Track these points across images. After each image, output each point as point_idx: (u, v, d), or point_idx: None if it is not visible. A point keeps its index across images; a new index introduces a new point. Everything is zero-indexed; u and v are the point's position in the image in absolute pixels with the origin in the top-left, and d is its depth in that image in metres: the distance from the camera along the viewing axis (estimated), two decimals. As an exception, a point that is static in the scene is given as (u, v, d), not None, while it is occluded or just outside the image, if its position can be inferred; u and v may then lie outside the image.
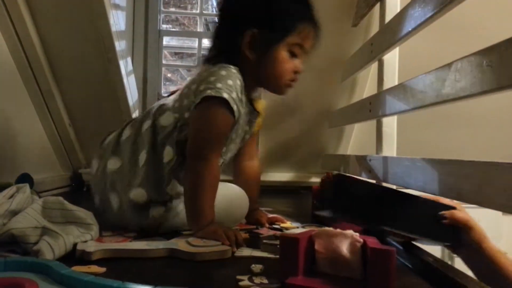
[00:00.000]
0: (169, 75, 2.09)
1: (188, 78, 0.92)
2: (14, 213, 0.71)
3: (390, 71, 1.05)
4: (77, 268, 0.56)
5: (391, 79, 1.04)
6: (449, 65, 0.66)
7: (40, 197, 0.82)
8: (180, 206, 0.85)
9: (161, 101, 0.92)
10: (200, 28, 1.77)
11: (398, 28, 0.89)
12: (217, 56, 0.87)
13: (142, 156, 0.85)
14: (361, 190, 0.74)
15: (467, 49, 0.64)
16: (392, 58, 1.05)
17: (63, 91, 1.46)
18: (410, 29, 0.82)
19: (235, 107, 0.80)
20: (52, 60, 1.40)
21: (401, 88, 0.84)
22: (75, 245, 0.66)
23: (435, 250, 0.80)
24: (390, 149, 1.02)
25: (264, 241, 0.74)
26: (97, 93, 1.52)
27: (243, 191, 0.97)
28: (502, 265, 0.70)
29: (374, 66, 1.24)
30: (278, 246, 0.70)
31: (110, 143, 0.91)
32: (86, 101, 1.53)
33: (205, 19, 1.88)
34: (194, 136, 0.81)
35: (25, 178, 1.15)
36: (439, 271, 0.58)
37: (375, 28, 1.27)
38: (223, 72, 0.81)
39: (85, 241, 0.68)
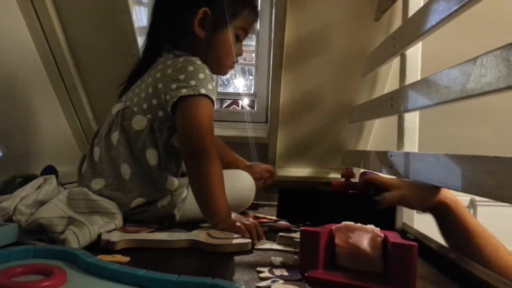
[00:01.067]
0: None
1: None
2: (41, 203, 0.74)
3: (413, 65, 1.03)
4: (102, 257, 0.58)
5: (414, 74, 1.03)
6: (474, 59, 0.65)
7: (65, 188, 0.84)
8: (184, 193, 0.86)
9: (116, 109, 0.88)
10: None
11: (422, 22, 0.87)
12: (166, 36, 0.90)
13: (125, 169, 0.83)
14: (301, 197, 0.90)
15: (490, 43, 0.62)
16: (415, 52, 1.04)
17: (87, 86, 1.49)
18: (434, 23, 0.81)
19: (214, 97, 0.83)
20: (76, 55, 1.43)
21: (425, 83, 0.82)
22: (99, 234, 0.68)
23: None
24: (412, 145, 1.01)
25: (280, 234, 0.75)
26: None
27: (248, 174, 1.00)
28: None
29: (396, 61, 1.23)
30: (294, 239, 0.71)
31: (87, 168, 0.88)
32: (109, 96, 1.56)
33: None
34: (185, 135, 0.81)
35: (50, 170, 1.18)
36: (460, 266, 0.58)
37: (397, 23, 1.26)
38: (191, 68, 0.82)
39: (110, 231, 0.70)
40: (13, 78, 1.21)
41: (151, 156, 0.83)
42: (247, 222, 0.75)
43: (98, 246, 0.65)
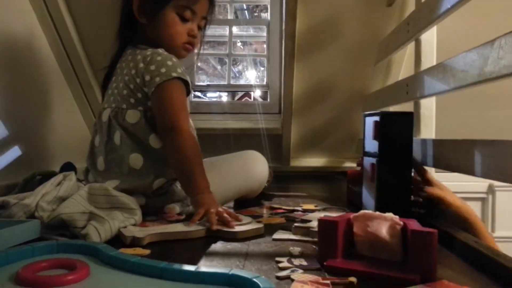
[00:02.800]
0: (199, 64, 2.11)
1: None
2: (62, 199, 0.75)
3: (428, 51, 1.02)
4: (123, 251, 0.59)
5: (429, 59, 1.01)
6: (492, 41, 0.63)
7: (84, 184, 0.86)
8: None
9: (106, 115, 0.90)
10: (230, 16, 1.77)
11: (436, 6, 0.85)
12: (126, 34, 0.94)
13: (135, 159, 0.86)
14: None
15: (506, 26, 0.61)
16: (430, 37, 1.02)
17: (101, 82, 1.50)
18: (449, 6, 0.79)
19: (188, 78, 0.87)
20: (89, 52, 1.45)
21: (441, 68, 0.81)
22: (119, 229, 0.69)
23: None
24: (428, 131, 1.00)
25: (296, 224, 0.75)
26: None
27: (259, 154, 1.03)
28: None
29: (410, 46, 1.21)
30: (310, 228, 0.71)
31: (95, 178, 0.90)
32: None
33: (234, 7, 1.88)
34: (159, 115, 0.85)
35: (68, 167, 1.21)
36: (484, 254, 0.57)
37: (410, 7, 1.23)
38: (159, 58, 0.86)
39: (126, 226, 0.71)
40: (28, 76, 1.23)
41: (154, 141, 0.87)
42: (220, 210, 0.76)
43: (118, 240, 0.67)
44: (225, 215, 0.75)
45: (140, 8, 0.90)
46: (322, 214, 0.86)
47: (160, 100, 0.85)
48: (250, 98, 2.62)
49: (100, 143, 0.91)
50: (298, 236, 0.71)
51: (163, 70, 0.85)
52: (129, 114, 0.88)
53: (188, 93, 0.90)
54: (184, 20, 0.92)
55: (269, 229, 0.75)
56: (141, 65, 0.87)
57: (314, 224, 0.74)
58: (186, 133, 0.83)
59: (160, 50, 0.89)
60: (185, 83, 0.87)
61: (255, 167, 1.01)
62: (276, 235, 0.72)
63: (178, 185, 0.89)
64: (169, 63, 0.86)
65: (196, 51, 1.02)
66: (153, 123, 0.88)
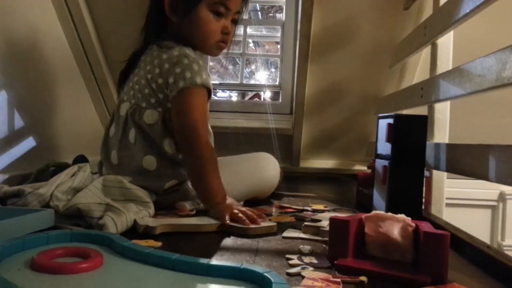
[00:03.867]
0: (211, 63, 2.12)
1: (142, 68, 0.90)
2: (76, 190, 0.76)
3: (444, 55, 1.01)
4: (135, 242, 0.59)
5: (445, 63, 1.00)
6: (510, 47, 0.63)
7: (98, 177, 0.87)
8: None
9: (124, 109, 0.89)
10: (245, 15, 1.77)
11: (455, 10, 0.85)
12: (153, 30, 0.91)
13: (149, 161, 0.86)
14: None
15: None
16: (446, 41, 1.01)
17: (116, 78, 1.50)
18: (468, 11, 0.79)
19: (209, 85, 0.85)
20: (106, 48, 1.47)
21: (457, 72, 0.81)
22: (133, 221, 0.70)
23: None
24: (442, 136, 0.99)
25: (306, 223, 0.76)
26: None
27: (271, 156, 1.02)
28: None
29: (425, 50, 1.20)
30: (320, 228, 0.71)
31: (108, 172, 0.90)
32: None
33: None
34: (178, 122, 0.83)
35: (81, 160, 1.22)
36: (493, 257, 0.57)
37: (428, 11, 1.23)
38: (186, 61, 0.84)
39: (143, 217, 0.72)
40: (45, 70, 1.25)
41: (168, 146, 0.86)
42: (243, 209, 0.77)
43: (130, 231, 0.67)
44: (249, 213, 0.75)
45: (172, 6, 0.88)
46: (332, 215, 0.86)
47: (181, 105, 0.83)
48: (260, 99, 2.62)
49: (114, 135, 0.90)
50: (308, 234, 0.72)
51: (188, 74, 0.83)
52: (148, 114, 0.86)
53: (210, 98, 0.89)
54: (217, 15, 0.88)
55: (279, 227, 0.75)
56: (167, 65, 0.85)
57: (325, 223, 0.75)
58: (204, 142, 0.82)
59: (187, 51, 0.86)
60: (208, 89, 0.86)
61: (267, 169, 1.01)
62: (286, 233, 0.72)
63: (189, 185, 0.89)
64: (195, 67, 0.84)
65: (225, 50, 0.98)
66: (169, 127, 0.86)
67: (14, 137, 1.09)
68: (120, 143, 0.88)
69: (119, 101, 0.93)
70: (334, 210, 0.94)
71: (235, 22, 0.94)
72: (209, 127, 0.95)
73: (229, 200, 0.80)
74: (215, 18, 0.88)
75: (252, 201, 1.01)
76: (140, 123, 0.86)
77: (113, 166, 0.89)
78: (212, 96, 0.91)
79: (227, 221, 0.73)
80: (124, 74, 0.97)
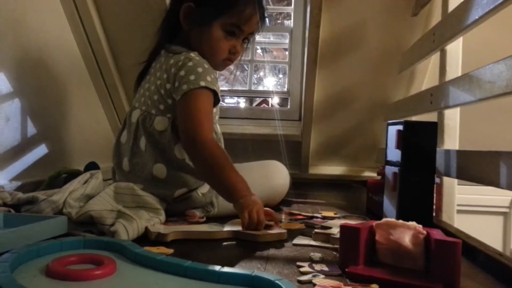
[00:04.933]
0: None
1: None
2: (89, 197, 0.77)
3: (453, 61, 1.01)
4: (147, 249, 0.60)
5: (454, 70, 1.00)
6: (521, 53, 0.63)
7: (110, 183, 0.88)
8: None
9: (135, 116, 0.90)
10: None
11: (464, 17, 0.85)
12: (165, 34, 0.93)
13: (159, 169, 0.86)
14: None
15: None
16: (455, 47, 1.01)
17: (126, 85, 1.54)
18: (477, 17, 0.79)
19: (214, 87, 0.84)
20: (117, 55, 1.48)
21: (467, 79, 0.80)
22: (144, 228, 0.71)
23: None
24: (452, 142, 0.99)
25: (316, 230, 0.76)
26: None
27: (282, 165, 1.02)
28: None
29: (434, 57, 1.20)
30: (330, 235, 0.71)
31: (120, 179, 0.90)
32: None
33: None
34: (183, 125, 0.83)
35: (93, 167, 1.24)
36: (505, 265, 0.56)
37: (436, 18, 1.23)
38: (190, 64, 0.84)
39: (154, 225, 0.73)
40: (56, 77, 1.27)
41: (178, 152, 0.86)
42: (262, 210, 0.75)
43: (143, 239, 0.68)
44: (262, 217, 0.74)
45: (188, 17, 0.89)
46: (342, 222, 0.86)
47: (184, 109, 0.83)
48: (267, 105, 2.63)
49: (126, 142, 0.91)
50: (318, 242, 0.72)
51: (192, 77, 0.83)
52: (158, 121, 0.87)
53: (217, 102, 0.88)
54: (230, 35, 0.89)
55: (289, 234, 0.75)
56: (173, 70, 0.86)
57: (335, 231, 0.75)
58: (211, 143, 0.81)
59: (193, 54, 0.87)
60: (214, 92, 0.86)
61: (277, 178, 1.01)
62: (296, 240, 0.72)
63: (199, 192, 0.89)
64: (199, 69, 0.84)
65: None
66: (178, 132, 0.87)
67: (26, 145, 1.11)
68: (132, 150, 0.89)
69: (131, 108, 0.94)
70: (344, 217, 0.94)
71: (247, 39, 0.95)
72: (219, 131, 0.95)
73: (253, 197, 0.77)
74: (226, 37, 0.89)
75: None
76: (151, 130, 0.87)
77: (125, 173, 0.90)
78: (221, 101, 0.91)
79: (246, 218, 0.72)
80: (140, 77, 0.98)
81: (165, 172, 0.86)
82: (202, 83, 0.83)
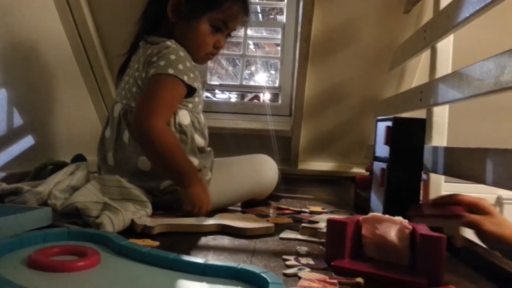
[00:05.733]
0: (210, 65, 2.12)
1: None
2: (74, 189, 0.76)
3: (443, 58, 1.01)
4: (132, 241, 0.59)
5: (445, 67, 1.01)
6: (509, 51, 0.63)
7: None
8: (208, 175, 0.91)
9: (117, 110, 0.90)
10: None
11: (455, 14, 0.85)
12: (146, 24, 0.92)
13: (144, 162, 0.85)
14: None
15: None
16: (446, 45, 1.02)
17: (116, 77, 1.52)
18: (467, 15, 0.79)
19: (184, 77, 0.82)
20: (107, 48, 1.46)
21: (456, 76, 0.81)
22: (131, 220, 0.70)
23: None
24: (440, 139, 0.99)
25: (303, 224, 0.76)
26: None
27: (271, 159, 1.02)
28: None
29: (425, 54, 1.21)
30: (317, 229, 0.72)
31: (106, 173, 0.90)
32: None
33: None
34: (137, 110, 0.82)
35: (80, 159, 1.22)
36: (490, 262, 0.57)
37: (428, 15, 1.23)
38: (165, 51, 0.84)
39: (140, 217, 0.72)
40: (45, 68, 1.25)
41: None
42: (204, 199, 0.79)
43: (129, 231, 0.68)
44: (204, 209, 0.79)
45: (175, 7, 0.88)
46: (329, 216, 0.86)
47: (144, 93, 0.82)
48: (258, 100, 2.62)
49: (110, 137, 0.90)
50: (305, 236, 0.72)
51: (161, 63, 0.82)
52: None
53: (192, 91, 0.87)
54: (215, 30, 0.91)
55: (276, 228, 0.75)
56: (149, 58, 0.85)
57: (322, 225, 0.75)
58: (161, 129, 0.79)
59: (169, 42, 0.86)
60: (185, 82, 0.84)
61: (265, 172, 1.00)
62: (283, 234, 0.72)
63: None
64: (172, 56, 0.83)
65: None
66: None
67: (13, 135, 1.09)
68: (115, 145, 0.88)
69: (113, 102, 0.94)
70: (331, 212, 0.94)
71: (229, 35, 0.97)
72: (203, 121, 0.94)
73: (203, 187, 0.82)
74: (212, 32, 0.90)
75: (250, 202, 1.01)
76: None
77: (110, 168, 0.89)
78: (199, 91, 0.90)
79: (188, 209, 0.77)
80: (121, 70, 0.97)
81: (150, 164, 0.85)
82: (170, 71, 0.81)
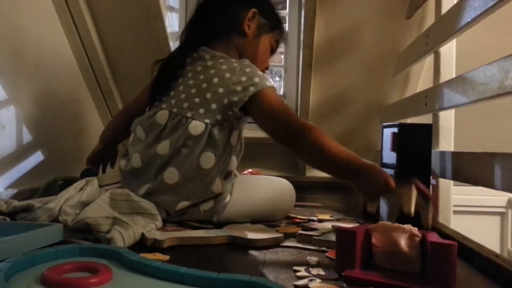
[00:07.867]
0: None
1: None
2: (84, 204, 0.77)
3: (447, 63, 1.01)
4: (143, 256, 0.60)
5: (448, 72, 1.01)
6: (513, 55, 0.63)
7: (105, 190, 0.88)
8: (227, 198, 0.87)
9: (163, 117, 0.85)
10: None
11: (456, 19, 0.86)
12: (204, 34, 0.92)
13: (171, 174, 0.82)
14: None
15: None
16: (449, 49, 1.02)
17: (122, 91, 1.54)
18: (469, 20, 0.79)
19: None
20: (112, 61, 1.48)
21: (460, 80, 0.81)
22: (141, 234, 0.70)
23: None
24: (447, 144, 0.99)
25: (300, 232, 0.77)
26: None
27: (290, 184, 1.00)
28: None
29: (429, 59, 1.21)
30: (313, 237, 0.73)
31: (126, 174, 0.88)
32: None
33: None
34: (277, 122, 0.82)
35: (88, 173, 1.23)
36: (502, 267, 0.56)
37: (430, 20, 1.24)
38: (248, 69, 0.86)
39: (150, 231, 0.73)
40: (52, 84, 1.27)
41: (207, 159, 0.82)
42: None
43: (138, 245, 0.68)
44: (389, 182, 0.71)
45: (249, 21, 0.93)
46: (332, 224, 0.87)
47: (268, 106, 0.82)
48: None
49: (144, 140, 0.87)
50: (301, 244, 0.72)
51: (256, 80, 0.83)
52: (193, 125, 0.82)
53: None
54: (271, 50, 0.98)
55: (286, 238, 0.75)
56: (228, 75, 0.84)
57: (318, 233, 0.76)
58: (315, 128, 0.78)
59: (247, 62, 0.88)
60: None
61: (284, 199, 0.96)
62: (287, 243, 0.73)
63: (201, 209, 0.85)
64: (259, 73, 0.86)
65: None
66: (214, 140, 0.83)
67: (22, 152, 1.10)
68: (146, 149, 0.85)
69: (155, 108, 0.88)
70: (337, 220, 0.94)
71: None
72: (243, 145, 0.94)
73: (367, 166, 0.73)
74: (269, 51, 0.98)
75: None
76: (183, 135, 0.82)
77: (133, 168, 0.85)
78: None
79: (392, 184, 0.69)
80: (161, 81, 0.92)
81: (177, 177, 0.82)
82: (268, 84, 0.84)
